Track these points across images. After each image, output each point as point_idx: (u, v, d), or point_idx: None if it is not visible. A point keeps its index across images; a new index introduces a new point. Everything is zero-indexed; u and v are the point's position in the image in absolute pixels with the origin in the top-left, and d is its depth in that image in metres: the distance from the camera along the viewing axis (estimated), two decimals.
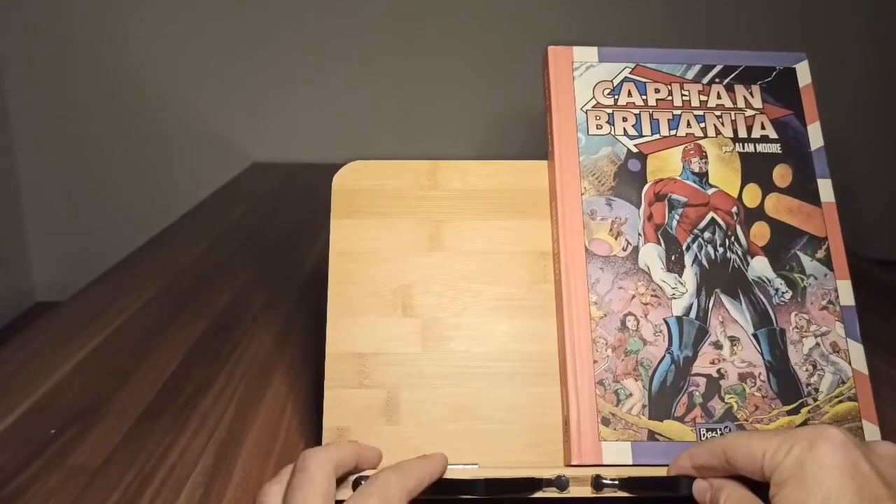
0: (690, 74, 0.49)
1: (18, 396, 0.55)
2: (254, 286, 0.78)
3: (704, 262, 0.45)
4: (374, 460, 0.41)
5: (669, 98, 0.49)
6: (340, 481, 0.38)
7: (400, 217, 0.47)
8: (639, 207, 0.46)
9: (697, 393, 0.43)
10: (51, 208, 1.82)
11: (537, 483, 0.40)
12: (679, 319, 0.44)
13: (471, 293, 0.46)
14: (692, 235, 0.46)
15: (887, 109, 1.82)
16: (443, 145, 1.79)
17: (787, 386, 0.43)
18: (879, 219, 1.86)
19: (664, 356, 0.43)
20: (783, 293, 0.45)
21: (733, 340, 0.44)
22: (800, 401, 0.43)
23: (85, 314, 0.70)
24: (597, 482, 0.40)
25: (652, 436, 0.41)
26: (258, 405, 0.54)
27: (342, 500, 0.36)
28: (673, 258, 0.45)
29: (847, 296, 0.45)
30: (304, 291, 0.77)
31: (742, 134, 0.48)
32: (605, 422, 0.42)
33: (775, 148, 0.48)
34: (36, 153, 1.78)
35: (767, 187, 0.47)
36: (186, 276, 0.81)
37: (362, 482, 0.39)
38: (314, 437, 0.48)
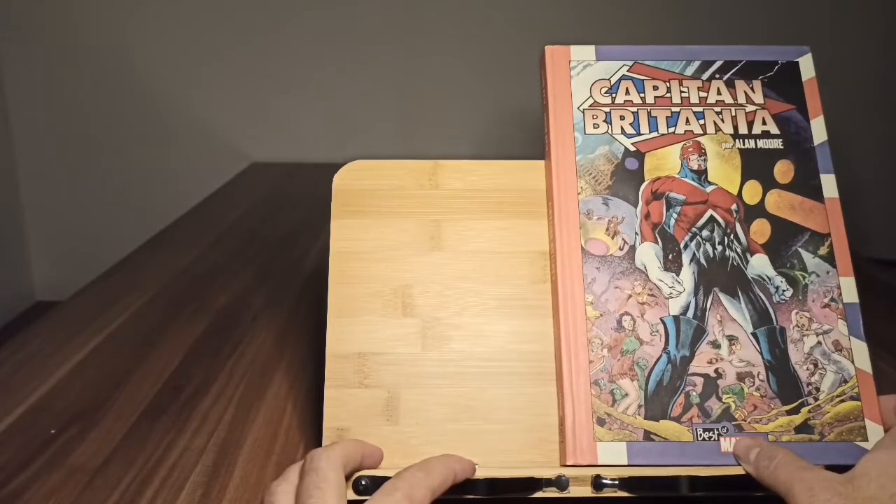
0: (690, 71, 0.49)
1: (18, 396, 0.55)
2: (254, 286, 0.78)
3: (703, 261, 0.45)
4: (377, 458, 0.41)
5: (668, 95, 0.48)
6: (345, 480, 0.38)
7: (400, 217, 0.47)
8: (636, 206, 0.46)
9: (694, 393, 0.42)
10: (51, 208, 1.82)
11: (537, 483, 0.40)
12: (676, 319, 0.44)
13: (471, 293, 0.46)
14: (690, 234, 0.46)
15: (892, 106, 1.81)
16: (443, 145, 1.79)
17: (786, 385, 0.43)
18: (880, 217, 1.86)
19: (661, 356, 0.43)
20: (784, 291, 0.45)
21: (732, 339, 0.44)
22: (800, 400, 0.42)
23: (85, 314, 0.70)
24: (597, 482, 0.40)
25: (648, 436, 0.41)
26: (258, 405, 0.54)
27: (364, 499, 0.35)
28: (670, 257, 0.45)
29: (850, 293, 0.44)
30: (304, 291, 0.77)
31: (742, 130, 0.48)
32: (601, 422, 0.42)
33: (777, 143, 0.47)
34: (36, 153, 1.78)
35: (768, 184, 0.47)
36: (186, 276, 0.82)
37: (363, 481, 0.39)
38: (314, 437, 0.48)
